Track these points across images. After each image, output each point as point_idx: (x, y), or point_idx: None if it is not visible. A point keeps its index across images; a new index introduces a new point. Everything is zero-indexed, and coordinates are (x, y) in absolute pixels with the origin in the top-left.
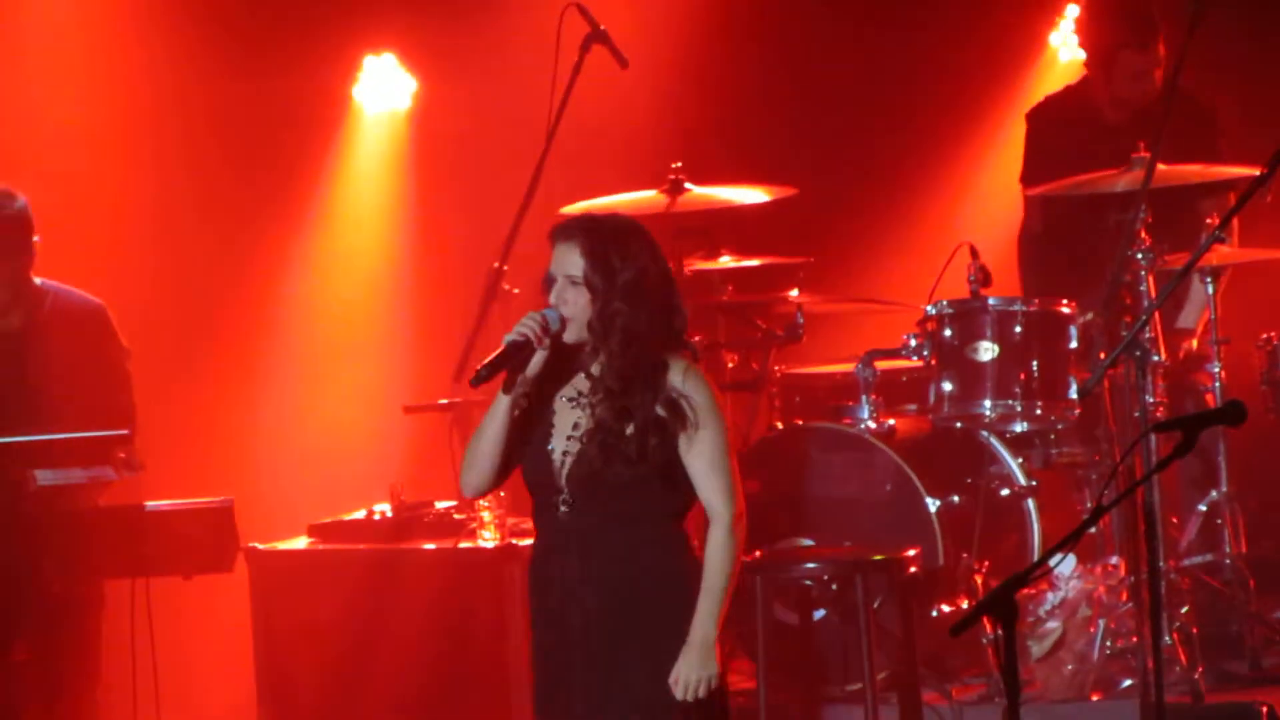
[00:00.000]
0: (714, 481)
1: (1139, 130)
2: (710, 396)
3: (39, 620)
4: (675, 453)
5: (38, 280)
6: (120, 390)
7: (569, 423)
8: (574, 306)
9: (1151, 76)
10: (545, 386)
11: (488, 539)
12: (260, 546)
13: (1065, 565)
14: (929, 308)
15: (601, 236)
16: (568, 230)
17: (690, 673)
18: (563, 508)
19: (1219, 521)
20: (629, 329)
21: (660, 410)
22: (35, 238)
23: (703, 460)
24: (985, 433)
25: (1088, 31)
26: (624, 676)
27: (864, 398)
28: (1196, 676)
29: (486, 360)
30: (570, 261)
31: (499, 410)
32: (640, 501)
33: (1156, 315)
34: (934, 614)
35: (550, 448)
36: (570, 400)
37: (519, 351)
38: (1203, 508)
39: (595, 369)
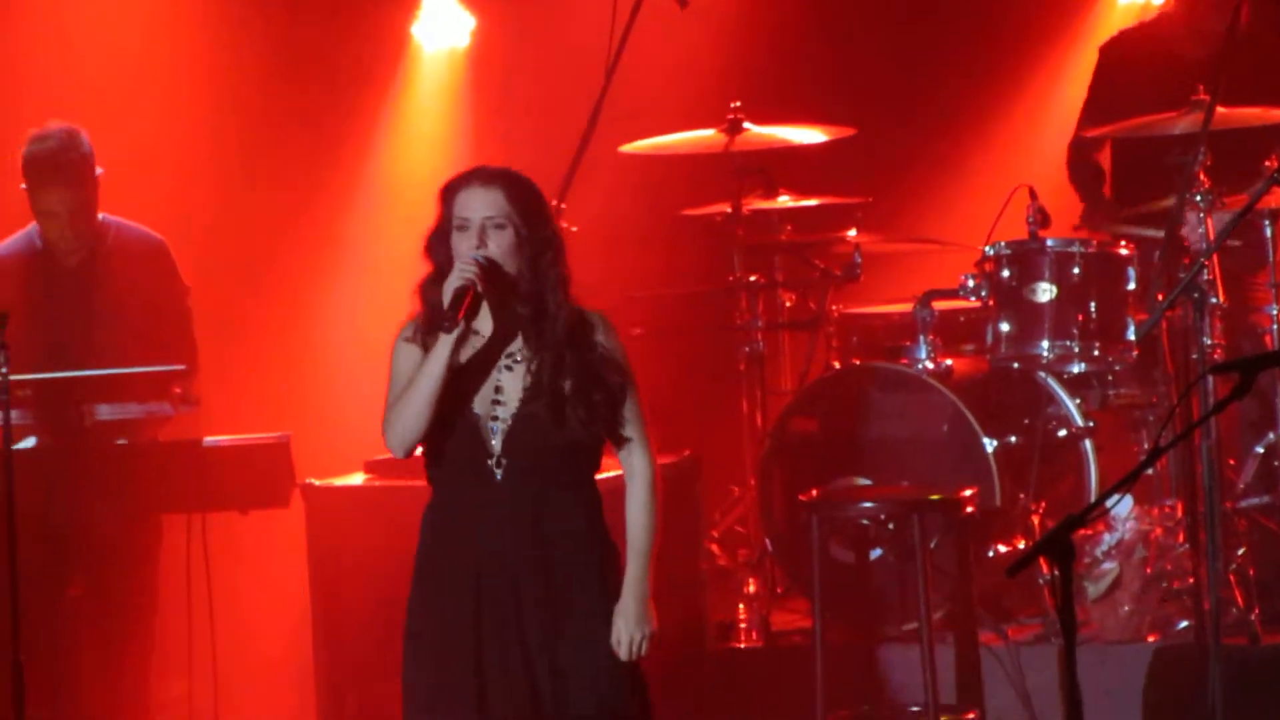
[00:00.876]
0: (638, 440)
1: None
2: (624, 351)
3: (95, 556)
4: (616, 409)
5: (100, 216)
6: (180, 326)
7: (488, 384)
8: (500, 250)
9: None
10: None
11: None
12: (316, 482)
13: (1122, 506)
14: (987, 248)
15: (523, 187)
16: (487, 175)
17: (634, 631)
18: (498, 473)
19: (1276, 463)
20: (562, 277)
21: (596, 365)
22: (99, 170)
23: (628, 417)
24: (1043, 373)
25: None
26: (581, 645)
27: (921, 338)
28: (1253, 618)
29: (446, 310)
30: (493, 204)
31: (439, 359)
32: (579, 463)
33: (1215, 257)
34: (990, 554)
35: (476, 411)
36: (479, 361)
37: (466, 297)
38: (1260, 449)
39: (496, 332)
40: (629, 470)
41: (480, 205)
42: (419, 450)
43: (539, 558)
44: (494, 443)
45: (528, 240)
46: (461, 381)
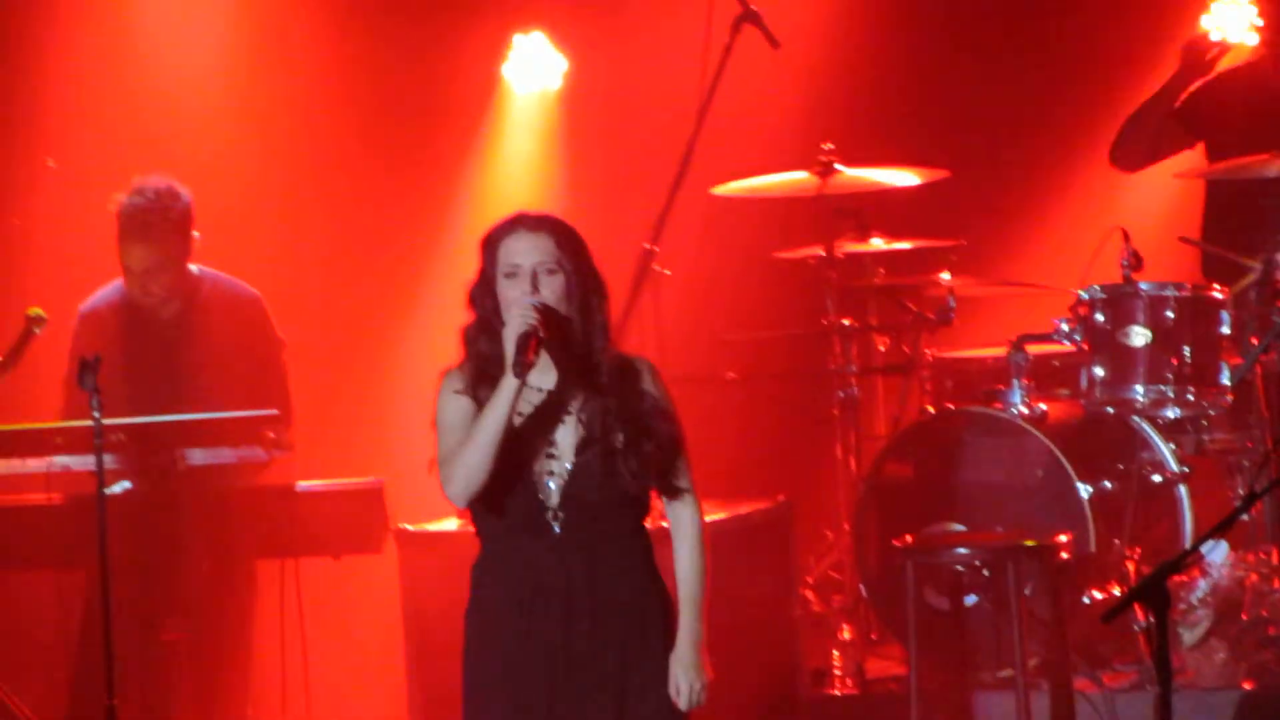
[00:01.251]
0: (687, 489)
1: None
2: (671, 399)
3: (189, 600)
4: (668, 459)
5: (194, 268)
6: (275, 380)
7: (543, 437)
8: (553, 295)
9: None
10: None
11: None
12: (410, 527)
13: (1217, 552)
14: (1081, 292)
15: (570, 232)
16: (533, 221)
17: (693, 680)
18: (555, 526)
19: None
20: (607, 322)
21: (648, 416)
22: (195, 234)
23: (677, 466)
24: (1137, 418)
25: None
26: (641, 696)
27: (1015, 382)
28: None
29: (514, 355)
30: (543, 249)
31: (502, 405)
32: (634, 513)
33: None
34: (1085, 600)
35: (532, 465)
36: (532, 414)
37: (530, 341)
38: None
39: (549, 380)
40: (677, 521)
41: (530, 250)
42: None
43: (596, 607)
44: (551, 496)
45: (578, 285)
46: (515, 435)
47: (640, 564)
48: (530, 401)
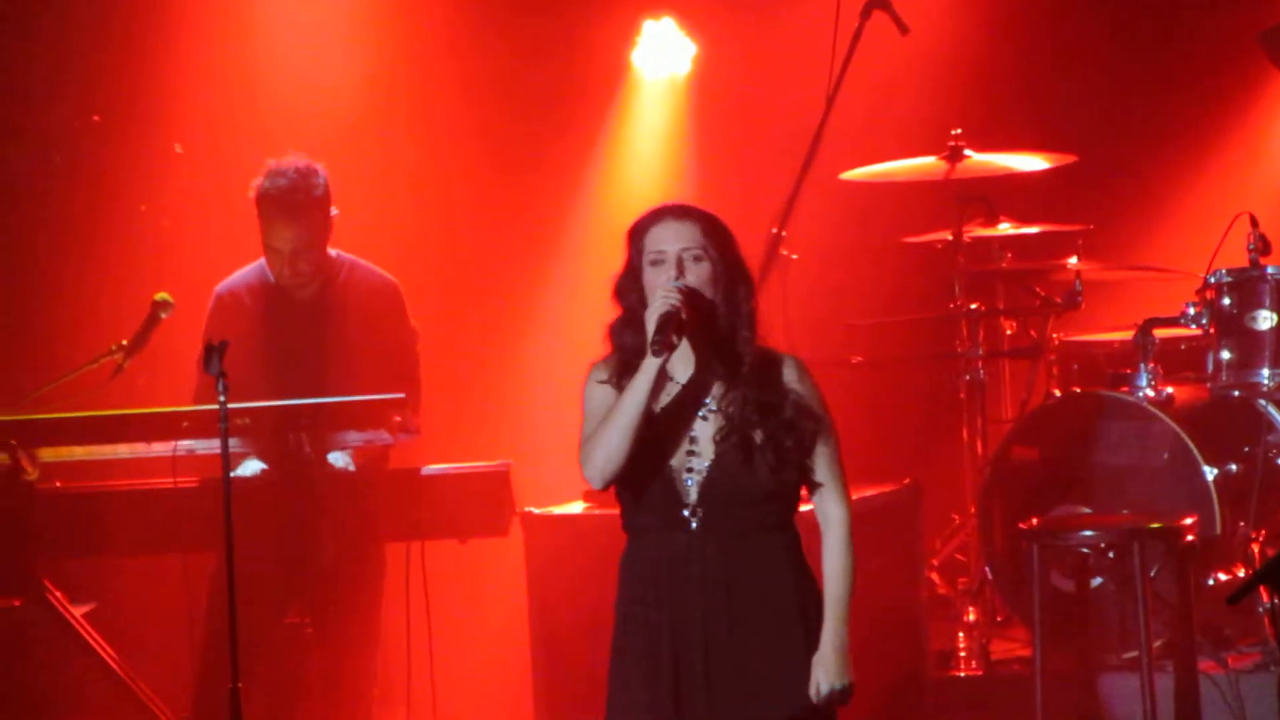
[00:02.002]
0: (833, 486)
1: None
2: (821, 394)
3: (316, 584)
4: (807, 456)
5: (333, 252)
6: (407, 366)
7: (683, 432)
8: (699, 280)
9: None
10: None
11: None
12: (536, 511)
13: None
14: (1208, 276)
15: (716, 221)
16: (680, 210)
17: (835, 682)
18: (693, 522)
19: None
20: (754, 313)
21: (789, 411)
22: (334, 211)
23: (823, 463)
24: (1263, 401)
25: None
26: (778, 695)
27: (1142, 365)
28: None
29: (653, 334)
30: (689, 236)
31: (643, 385)
32: (776, 509)
33: None
34: (1210, 582)
35: (671, 460)
36: (674, 408)
37: (672, 323)
38: None
39: (689, 373)
40: (824, 517)
41: (676, 237)
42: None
43: (731, 606)
44: (690, 492)
45: (724, 274)
46: (656, 430)
47: (783, 559)
48: (670, 394)
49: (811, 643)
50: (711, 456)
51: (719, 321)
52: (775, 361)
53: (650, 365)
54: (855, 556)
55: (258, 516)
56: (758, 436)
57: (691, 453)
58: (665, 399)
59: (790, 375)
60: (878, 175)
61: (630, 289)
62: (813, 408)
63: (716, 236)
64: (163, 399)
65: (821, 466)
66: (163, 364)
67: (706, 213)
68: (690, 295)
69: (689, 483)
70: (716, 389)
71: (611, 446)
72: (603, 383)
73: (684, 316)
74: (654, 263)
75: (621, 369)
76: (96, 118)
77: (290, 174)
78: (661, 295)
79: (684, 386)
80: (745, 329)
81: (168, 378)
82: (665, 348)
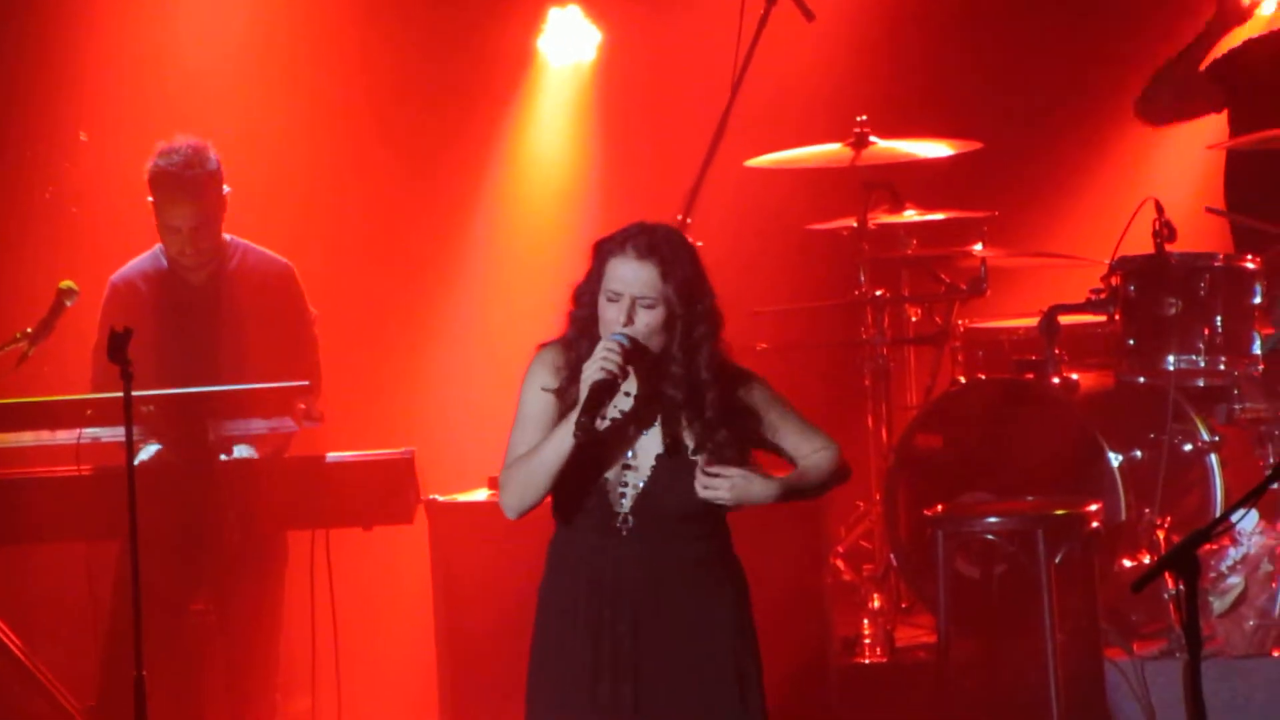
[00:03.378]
0: (810, 437)
1: None
2: (770, 388)
3: (219, 571)
4: (749, 458)
5: (227, 237)
6: (305, 350)
7: (622, 446)
8: (647, 328)
9: None
10: None
11: None
12: (440, 498)
13: (1248, 521)
14: (1113, 262)
15: (679, 263)
16: (643, 249)
17: (741, 478)
18: (623, 530)
19: None
20: (714, 355)
21: (731, 428)
22: (226, 189)
23: (789, 428)
24: (1169, 388)
25: None
26: (703, 694)
27: (1047, 352)
28: None
29: (581, 411)
30: (646, 283)
31: (562, 448)
32: (708, 519)
33: None
34: (1116, 569)
35: (606, 473)
36: (612, 420)
37: (606, 389)
38: None
39: (629, 396)
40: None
41: (632, 281)
42: None
43: (661, 604)
44: (623, 505)
45: (681, 317)
46: (597, 439)
47: (713, 562)
48: (618, 407)
49: (740, 648)
50: (648, 473)
51: (670, 364)
52: (734, 380)
53: (568, 438)
54: (840, 471)
55: (161, 505)
56: (698, 455)
57: (628, 466)
58: (612, 412)
59: (745, 393)
60: (783, 162)
61: (586, 300)
62: (756, 415)
63: (675, 280)
64: (67, 387)
65: (790, 437)
66: (68, 351)
67: (671, 252)
68: (631, 351)
69: (624, 495)
70: (663, 407)
71: (528, 488)
72: (546, 389)
73: (619, 381)
74: (609, 299)
75: (569, 373)
76: None
77: (183, 151)
78: (601, 357)
79: (633, 399)
80: (705, 368)
81: (73, 365)
82: (587, 432)
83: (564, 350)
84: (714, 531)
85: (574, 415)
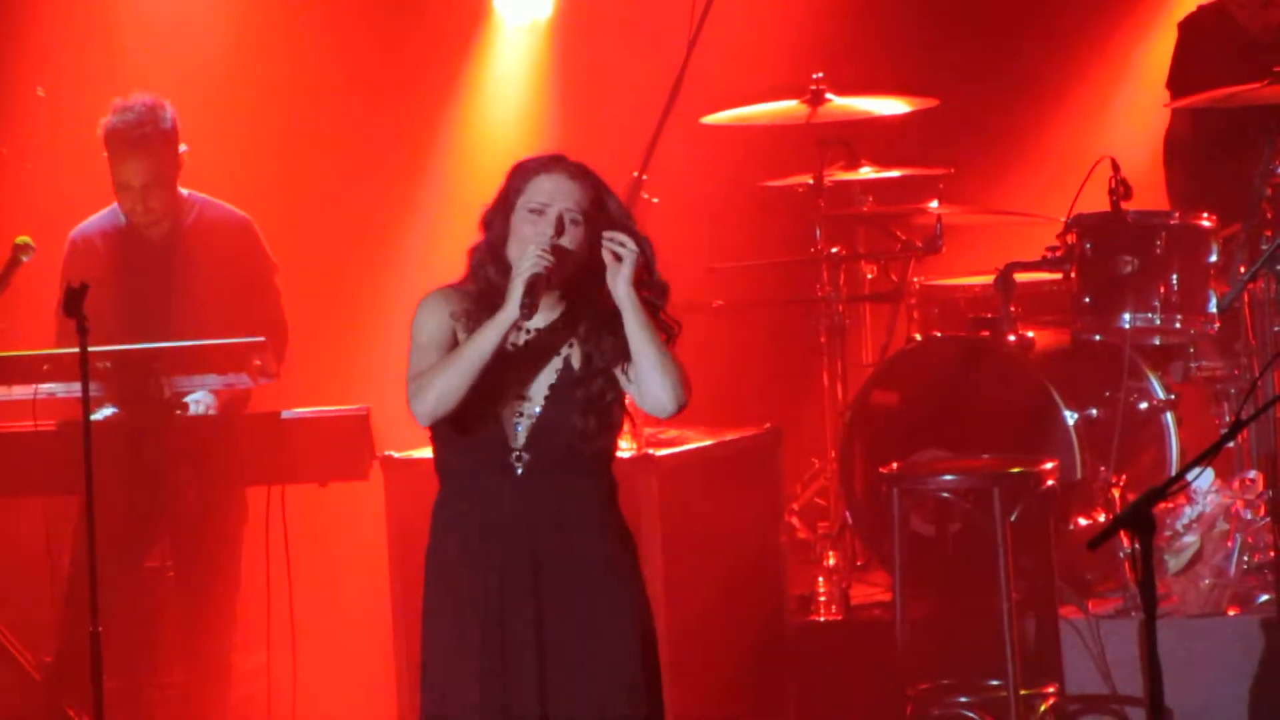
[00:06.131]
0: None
1: None
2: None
3: (176, 527)
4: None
5: (184, 191)
6: (269, 301)
7: (517, 380)
8: (573, 244)
9: None
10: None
11: (624, 449)
12: (396, 455)
13: (1203, 479)
14: (1069, 220)
15: (607, 190)
16: (577, 169)
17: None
18: (518, 467)
19: None
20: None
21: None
22: (183, 147)
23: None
24: (1124, 346)
25: None
26: (599, 639)
27: (1003, 310)
28: None
29: (522, 296)
30: (577, 198)
31: (491, 336)
32: (597, 457)
33: None
34: (1071, 527)
35: (500, 405)
36: (512, 355)
37: (540, 284)
38: None
39: (538, 321)
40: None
41: (564, 195)
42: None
43: (558, 548)
44: (517, 438)
45: (598, 243)
46: (493, 371)
47: (599, 506)
48: (515, 341)
49: (642, 603)
50: (542, 405)
51: (587, 286)
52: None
53: (507, 318)
54: (674, 368)
55: (118, 460)
56: (593, 386)
57: (522, 398)
58: (509, 345)
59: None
60: (739, 119)
61: (498, 223)
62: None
63: (601, 199)
64: (23, 343)
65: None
66: (23, 307)
67: (599, 178)
68: (561, 259)
69: (518, 428)
70: (562, 341)
71: (449, 387)
72: (450, 315)
73: (551, 280)
74: (534, 211)
75: (479, 299)
76: None
77: (138, 109)
78: (536, 255)
79: (530, 334)
80: (607, 298)
81: (29, 321)
82: (530, 312)
83: (458, 291)
84: (603, 470)
85: (504, 311)
